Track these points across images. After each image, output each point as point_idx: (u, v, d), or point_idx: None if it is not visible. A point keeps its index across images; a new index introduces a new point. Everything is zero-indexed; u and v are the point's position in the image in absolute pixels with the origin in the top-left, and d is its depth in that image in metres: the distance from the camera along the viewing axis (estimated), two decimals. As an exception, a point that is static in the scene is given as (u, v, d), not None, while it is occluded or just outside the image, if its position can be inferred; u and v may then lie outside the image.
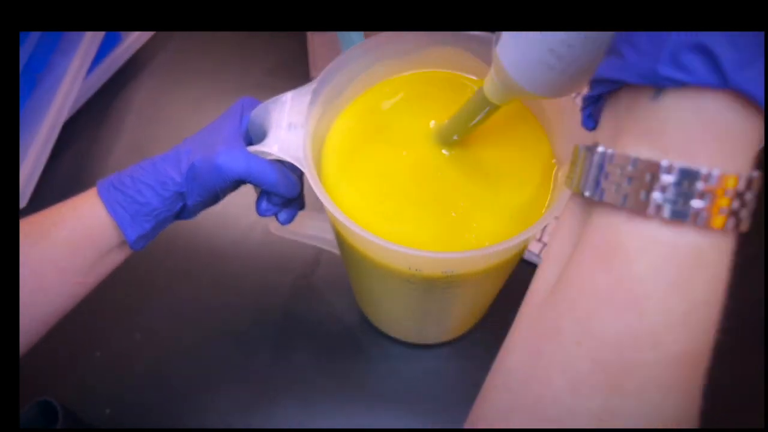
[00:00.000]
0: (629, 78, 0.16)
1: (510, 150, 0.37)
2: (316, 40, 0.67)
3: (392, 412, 0.47)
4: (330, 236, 0.42)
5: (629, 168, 0.16)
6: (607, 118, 0.18)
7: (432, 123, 0.38)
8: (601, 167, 0.17)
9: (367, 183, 0.35)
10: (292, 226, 0.41)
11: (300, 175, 0.38)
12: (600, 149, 0.17)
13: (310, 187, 0.32)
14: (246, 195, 0.39)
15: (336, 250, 0.44)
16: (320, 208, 0.39)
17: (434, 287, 0.36)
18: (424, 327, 0.47)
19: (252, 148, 0.34)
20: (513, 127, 0.38)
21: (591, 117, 0.19)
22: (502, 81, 0.28)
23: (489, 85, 0.30)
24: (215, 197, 0.35)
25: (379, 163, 0.36)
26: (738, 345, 0.34)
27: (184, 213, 0.35)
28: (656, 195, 0.15)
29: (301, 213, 0.41)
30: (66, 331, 0.52)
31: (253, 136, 0.36)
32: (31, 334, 0.33)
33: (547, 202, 0.36)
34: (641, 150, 0.16)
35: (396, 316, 0.46)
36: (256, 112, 0.35)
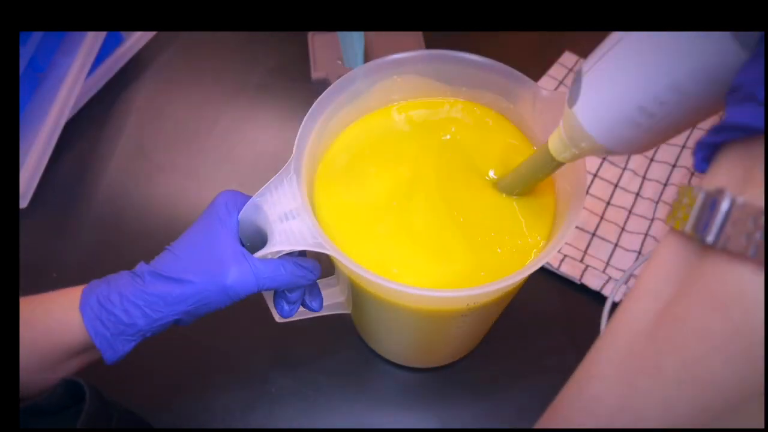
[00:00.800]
0: None
1: (502, 168, 0.38)
2: (317, 41, 0.67)
3: (392, 412, 0.47)
4: (341, 299, 0.41)
5: (762, 220, 0.15)
6: (729, 164, 0.18)
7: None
8: (727, 215, 0.16)
9: (363, 224, 0.36)
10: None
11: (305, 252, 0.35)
12: (728, 197, 0.16)
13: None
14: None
15: (347, 310, 0.43)
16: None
17: (460, 316, 0.36)
18: (439, 354, 0.47)
19: (260, 254, 0.32)
20: (505, 146, 0.39)
21: (706, 160, 0.19)
22: (578, 140, 0.27)
23: (557, 144, 0.29)
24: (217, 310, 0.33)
25: (367, 203, 0.36)
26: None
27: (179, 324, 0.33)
28: None
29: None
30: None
31: (243, 235, 0.34)
32: None
33: (553, 214, 0.36)
34: None
35: (414, 349, 0.46)
36: (245, 212, 0.33)
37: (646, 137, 0.24)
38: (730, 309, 0.16)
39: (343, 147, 0.39)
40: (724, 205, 0.16)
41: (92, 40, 0.61)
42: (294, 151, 0.33)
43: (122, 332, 0.31)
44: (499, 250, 0.34)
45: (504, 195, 0.36)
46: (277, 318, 0.40)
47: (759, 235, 0.15)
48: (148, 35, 0.69)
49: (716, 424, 0.16)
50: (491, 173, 0.37)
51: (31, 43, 0.56)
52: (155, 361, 0.50)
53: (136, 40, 0.68)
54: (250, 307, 0.52)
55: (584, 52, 0.63)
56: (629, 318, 0.20)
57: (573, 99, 0.26)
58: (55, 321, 0.31)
